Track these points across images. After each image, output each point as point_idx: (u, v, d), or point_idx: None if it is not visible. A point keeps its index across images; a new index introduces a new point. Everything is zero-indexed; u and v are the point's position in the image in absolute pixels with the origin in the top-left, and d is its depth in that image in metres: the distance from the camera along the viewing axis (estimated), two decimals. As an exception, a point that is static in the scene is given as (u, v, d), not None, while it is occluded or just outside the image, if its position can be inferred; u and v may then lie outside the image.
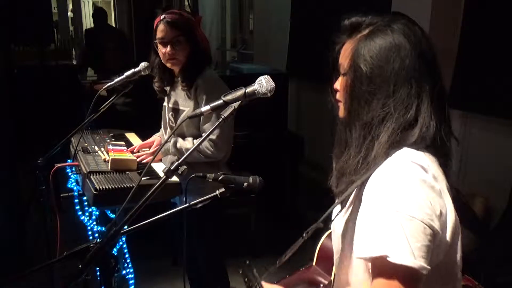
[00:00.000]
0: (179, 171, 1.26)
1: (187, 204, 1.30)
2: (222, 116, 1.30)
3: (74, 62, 7.15)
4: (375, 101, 1.01)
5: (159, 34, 2.15)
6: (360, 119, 1.03)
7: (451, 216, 0.99)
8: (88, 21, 12.60)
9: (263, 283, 1.16)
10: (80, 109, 5.01)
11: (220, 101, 1.33)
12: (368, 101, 1.02)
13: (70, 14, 8.99)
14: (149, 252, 3.28)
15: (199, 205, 1.30)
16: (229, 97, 1.32)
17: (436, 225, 0.93)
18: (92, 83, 5.22)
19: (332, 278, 1.27)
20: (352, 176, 1.04)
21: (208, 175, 1.32)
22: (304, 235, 1.11)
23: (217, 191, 1.33)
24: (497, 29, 2.72)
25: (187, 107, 2.23)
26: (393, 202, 0.92)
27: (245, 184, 1.34)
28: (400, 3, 3.11)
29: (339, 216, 1.11)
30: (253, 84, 1.33)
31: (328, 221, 1.13)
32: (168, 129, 2.35)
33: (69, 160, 2.25)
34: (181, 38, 2.14)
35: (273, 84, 1.33)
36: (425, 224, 0.91)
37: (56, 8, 8.03)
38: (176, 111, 2.28)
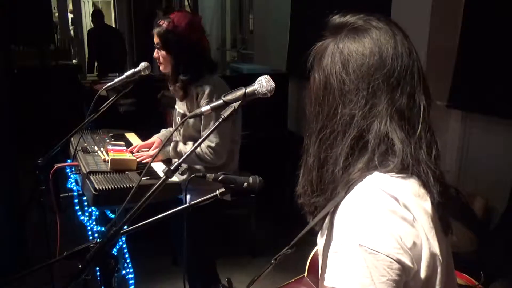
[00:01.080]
0: (179, 171, 1.26)
1: (187, 204, 1.30)
2: (222, 116, 1.30)
3: (74, 62, 7.17)
4: (328, 110, 0.95)
5: None
6: (316, 128, 0.97)
7: (425, 248, 0.90)
8: (88, 21, 12.61)
9: None
10: (80, 109, 5.01)
11: (220, 101, 1.33)
12: (321, 110, 0.96)
13: (70, 14, 8.98)
14: (149, 252, 3.28)
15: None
16: (229, 97, 1.32)
17: (406, 259, 0.86)
18: (92, 83, 5.22)
19: None
20: (319, 195, 0.98)
21: (208, 175, 1.32)
22: (272, 261, 1.07)
23: (217, 191, 1.33)
24: (497, 29, 2.72)
25: (187, 107, 2.25)
26: (358, 235, 0.86)
27: (245, 184, 1.34)
28: (400, 3, 3.11)
29: (319, 235, 1.04)
30: (253, 84, 1.32)
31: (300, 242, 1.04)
32: (176, 132, 2.38)
33: (69, 160, 2.25)
34: (159, 46, 2.22)
35: (273, 84, 1.33)
36: (391, 258, 0.85)
37: (56, 8, 8.03)
38: (183, 115, 2.30)
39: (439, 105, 3.01)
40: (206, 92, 2.16)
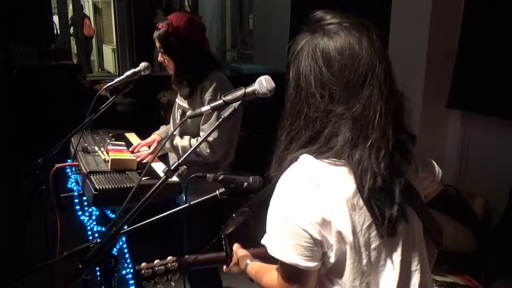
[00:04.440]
0: (179, 171, 1.26)
1: (187, 204, 1.30)
2: (222, 116, 1.30)
3: (74, 62, 7.17)
4: (297, 107, 1.04)
5: None
6: (287, 119, 1.08)
7: (335, 225, 1.00)
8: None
9: (235, 246, 1.45)
10: (80, 109, 5.01)
11: (220, 101, 1.33)
12: (293, 105, 1.06)
13: (70, 14, 8.98)
14: (149, 252, 3.28)
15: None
16: (229, 97, 1.32)
17: (313, 231, 1.00)
18: (92, 83, 5.22)
19: None
20: (278, 172, 1.12)
21: (208, 175, 1.32)
22: (234, 215, 1.31)
23: (217, 191, 1.33)
24: (497, 29, 2.72)
25: (193, 107, 2.24)
26: (278, 204, 1.04)
27: (245, 184, 1.34)
28: (400, 3, 3.11)
29: None
30: (253, 84, 1.32)
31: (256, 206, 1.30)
32: (172, 125, 2.37)
33: (69, 160, 2.25)
34: (162, 50, 2.21)
35: (273, 84, 1.33)
36: (300, 227, 1.00)
37: (56, 8, 8.03)
38: (184, 109, 2.29)
39: (439, 105, 3.02)
40: (211, 87, 2.15)
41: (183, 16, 2.21)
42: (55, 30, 5.82)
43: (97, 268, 1.51)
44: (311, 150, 1.03)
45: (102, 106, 2.09)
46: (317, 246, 1.02)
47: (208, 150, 2.15)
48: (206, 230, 2.29)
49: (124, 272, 2.35)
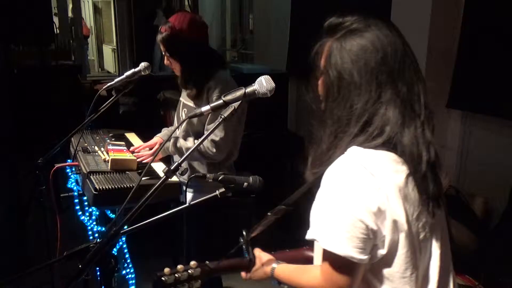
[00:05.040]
0: (179, 171, 1.26)
1: (187, 204, 1.30)
2: (222, 116, 1.30)
3: (74, 62, 7.16)
4: (344, 102, 1.07)
5: None
6: (332, 117, 1.10)
7: (390, 213, 1.02)
8: (88, 21, 12.61)
9: (257, 251, 1.36)
10: (80, 109, 5.01)
11: (220, 101, 1.33)
12: (338, 102, 1.08)
13: (70, 14, 8.98)
14: (149, 252, 3.28)
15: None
16: (229, 97, 1.32)
17: (370, 221, 1.00)
18: (92, 83, 5.22)
19: None
20: (319, 168, 1.11)
21: (208, 175, 1.32)
22: (269, 213, 1.23)
23: (217, 191, 1.33)
24: (497, 29, 2.72)
25: (199, 107, 2.23)
26: (330, 196, 1.03)
27: (245, 184, 1.34)
28: (400, 3, 3.11)
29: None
30: (253, 84, 1.33)
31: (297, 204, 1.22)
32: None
33: (69, 160, 2.25)
34: (167, 54, 2.20)
35: (273, 84, 1.33)
36: (357, 218, 1.00)
37: (56, 8, 8.03)
38: (190, 108, 2.28)
39: (439, 105, 3.02)
40: (217, 88, 2.14)
41: (185, 16, 2.19)
42: (55, 30, 5.81)
43: (97, 268, 1.52)
44: (358, 141, 1.05)
45: (102, 106, 2.10)
46: (371, 238, 1.02)
47: (214, 150, 2.14)
48: (207, 231, 2.31)
49: (124, 272, 2.35)
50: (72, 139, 2.29)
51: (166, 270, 1.20)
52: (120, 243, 2.31)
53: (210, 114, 2.13)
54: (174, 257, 3.39)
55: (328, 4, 3.99)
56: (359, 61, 1.05)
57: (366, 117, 1.05)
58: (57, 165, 2.09)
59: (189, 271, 1.23)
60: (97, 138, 2.54)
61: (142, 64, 2.18)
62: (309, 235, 1.06)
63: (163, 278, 1.19)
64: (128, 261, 2.37)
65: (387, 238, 1.03)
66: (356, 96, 1.05)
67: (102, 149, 2.28)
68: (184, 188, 2.01)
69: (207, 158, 2.17)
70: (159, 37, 2.17)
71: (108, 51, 12.51)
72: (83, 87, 5.54)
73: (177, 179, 1.97)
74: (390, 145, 1.04)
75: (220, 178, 1.31)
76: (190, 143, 2.20)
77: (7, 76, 3.30)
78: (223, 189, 1.33)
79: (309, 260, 1.35)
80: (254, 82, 1.33)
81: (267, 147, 3.97)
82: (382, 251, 1.03)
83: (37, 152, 2.08)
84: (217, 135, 2.12)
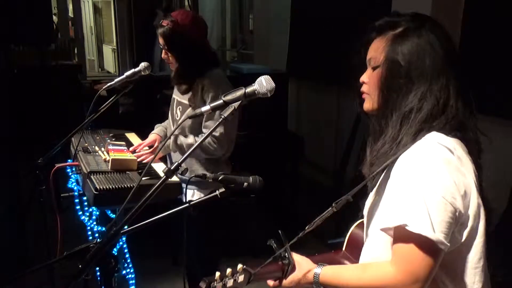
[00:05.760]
0: (179, 171, 1.26)
1: (187, 204, 1.30)
2: (222, 116, 1.30)
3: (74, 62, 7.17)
4: (413, 93, 1.10)
5: None
6: (398, 109, 1.11)
7: (474, 199, 1.04)
8: (88, 21, 12.61)
9: (293, 253, 1.23)
10: (80, 109, 5.01)
11: (220, 101, 1.33)
12: (405, 93, 1.11)
13: (70, 14, 8.98)
14: (149, 252, 3.28)
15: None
16: (229, 97, 1.32)
17: (459, 204, 1.00)
18: (92, 83, 5.22)
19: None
20: (383, 160, 1.11)
21: (208, 175, 1.32)
22: (333, 204, 1.15)
23: (217, 191, 1.32)
24: (497, 29, 2.72)
25: (193, 104, 2.24)
26: (418, 179, 1.01)
27: (245, 184, 1.34)
28: (400, 3, 3.11)
29: (369, 196, 1.20)
30: (253, 84, 1.33)
31: (355, 196, 1.17)
32: (174, 123, 2.37)
33: (69, 160, 2.25)
34: (166, 48, 2.21)
35: (273, 84, 1.33)
36: (447, 201, 0.99)
37: (56, 8, 8.03)
38: (184, 106, 2.29)
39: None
40: (212, 86, 2.16)
41: (188, 13, 2.24)
42: (55, 30, 5.81)
43: (97, 268, 1.52)
44: (435, 128, 1.08)
45: (102, 106, 2.10)
46: (456, 223, 1.02)
47: (216, 145, 2.16)
48: (207, 230, 2.31)
49: (124, 272, 2.35)
50: (73, 139, 2.29)
51: (217, 275, 1.13)
52: (120, 243, 2.31)
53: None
54: (174, 257, 3.39)
55: (328, 4, 4.00)
56: (429, 55, 1.10)
57: (435, 105, 1.08)
58: (57, 165, 2.09)
59: (235, 276, 1.16)
60: (98, 138, 2.55)
61: (142, 64, 2.18)
62: (393, 222, 1.02)
63: (212, 285, 1.11)
64: (128, 261, 2.37)
65: (469, 225, 1.04)
66: (426, 87, 1.09)
67: (103, 149, 2.28)
68: (184, 188, 2.02)
69: (208, 153, 2.18)
70: (160, 30, 2.18)
71: (108, 51, 12.51)
72: (83, 87, 5.54)
73: (177, 179, 1.97)
74: (459, 134, 1.09)
75: (220, 178, 1.31)
76: (191, 139, 2.21)
77: (7, 76, 3.30)
78: (223, 189, 1.33)
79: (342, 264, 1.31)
80: (254, 82, 1.33)
81: (267, 147, 3.98)
82: (462, 238, 1.04)
83: (37, 152, 2.08)
84: (218, 131, 2.14)
